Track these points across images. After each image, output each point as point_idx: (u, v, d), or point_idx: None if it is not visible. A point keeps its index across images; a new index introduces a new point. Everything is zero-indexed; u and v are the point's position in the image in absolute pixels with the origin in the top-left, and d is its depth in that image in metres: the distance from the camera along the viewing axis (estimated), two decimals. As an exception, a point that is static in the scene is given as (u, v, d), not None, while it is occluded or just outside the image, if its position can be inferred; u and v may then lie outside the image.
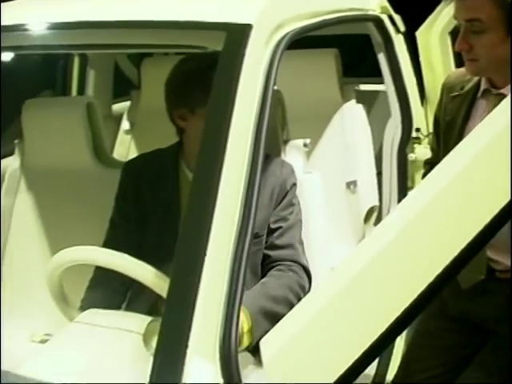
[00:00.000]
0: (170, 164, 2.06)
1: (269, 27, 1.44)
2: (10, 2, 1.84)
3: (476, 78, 2.04)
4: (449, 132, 2.09)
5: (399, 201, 2.88)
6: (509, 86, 1.93)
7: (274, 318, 1.79)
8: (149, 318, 1.53)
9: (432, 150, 2.30)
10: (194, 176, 1.27)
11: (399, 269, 0.92)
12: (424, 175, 2.38)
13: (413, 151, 2.89)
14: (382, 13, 2.66)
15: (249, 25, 1.39)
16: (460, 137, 2.04)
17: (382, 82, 3.35)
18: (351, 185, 2.91)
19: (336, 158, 2.94)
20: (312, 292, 1.02)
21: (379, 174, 2.98)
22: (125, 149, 3.46)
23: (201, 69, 1.90)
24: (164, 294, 1.53)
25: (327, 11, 1.83)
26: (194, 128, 1.96)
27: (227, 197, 1.20)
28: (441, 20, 2.85)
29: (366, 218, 2.96)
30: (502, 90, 1.95)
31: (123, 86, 3.91)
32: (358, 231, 2.91)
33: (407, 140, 2.85)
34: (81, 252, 1.60)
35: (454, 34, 2.94)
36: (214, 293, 1.11)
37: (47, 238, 2.43)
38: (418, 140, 2.91)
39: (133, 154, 3.43)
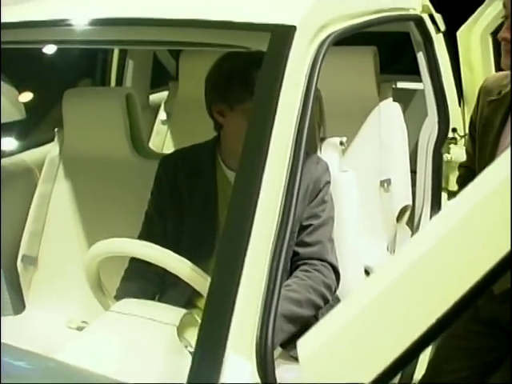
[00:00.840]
0: (207, 160, 2.08)
1: (312, 28, 1.45)
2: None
3: None
4: (484, 137, 2.07)
5: (433, 201, 2.88)
6: None
7: (297, 321, 1.81)
8: (183, 311, 1.56)
9: (467, 153, 2.28)
10: (236, 176, 1.29)
11: (438, 274, 0.93)
12: (459, 178, 2.36)
13: (448, 151, 2.88)
14: (423, 12, 2.65)
15: (293, 26, 1.40)
16: (496, 143, 2.02)
17: (417, 80, 3.34)
18: (385, 183, 2.91)
19: (371, 156, 2.94)
20: (351, 294, 1.02)
21: (413, 172, 2.98)
22: (161, 139, 3.49)
23: (242, 67, 1.92)
24: (201, 289, 1.57)
25: (370, 11, 1.83)
26: (231, 124, 1.98)
27: (268, 197, 1.22)
28: (483, 20, 2.83)
29: (399, 218, 2.96)
30: None
31: (160, 77, 3.95)
32: (390, 230, 2.91)
33: (443, 140, 2.83)
34: (120, 244, 1.63)
35: (496, 34, 2.92)
36: (252, 292, 1.12)
37: (83, 225, 2.47)
38: (454, 140, 2.89)
39: (169, 144, 3.47)
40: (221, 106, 1.98)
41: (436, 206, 2.88)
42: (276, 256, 1.16)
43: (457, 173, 2.96)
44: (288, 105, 1.31)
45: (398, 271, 0.93)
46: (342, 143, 2.27)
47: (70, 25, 1.69)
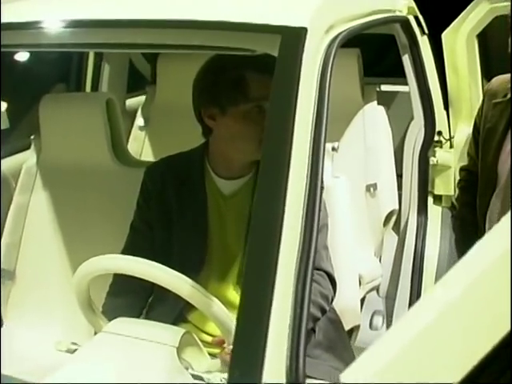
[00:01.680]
0: (196, 168, 2.00)
1: (321, 29, 1.40)
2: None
3: None
4: (489, 139, 2.03)
5: (419, 205, 2.84)
6: None
7: None
8: (181, 330, 1.49)
9: (469, 156, 2.24)
10: (259, 187, 1.21)
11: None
12: (460, 182, 2.32)
13: (434, 155, 2.85)
14: (408, 13, 2.60)
15: (304, 28, 1.34)
16: (499, 148, 1.98)
17: (399, 83, 3.30)
18: (371, 188, 2.86)
19: (356, 161, 2.89)
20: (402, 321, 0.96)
21: (399, 176, 2.93)
22: (139, 145, 3.40)
23: (233, 68, 1.85)
24: (198, 304, 1.49)
25: (367, 13, 1.79)
26: (223, 128, 1.91)
27: (293, 209, 1.16)
28: (468, 22, 2.80)
29: (385, 222, 2.91)
30: None
31: (135, 81, 3.86)
32: (377, 235, 2.86)
33: (429, 143, 2.79)
34: (113, 261, 1.54)
35: (481, 36, 2.90)
36: (283, 314, 1.06)
37: (63, 237, 2.38)
38: (439, 144, 2.86)
39: (147, 150, 3.39)
40: (212, 109, 1.90)
41: (422, 210, 2.84)
42: (301, 279, 1.09)
43: (442, 176, 2.94)
44: (305, 109, 1.26)
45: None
46: (334, 149, 2.21)
47: (54, 27, 1.60)
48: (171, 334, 1.45)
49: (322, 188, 1.26)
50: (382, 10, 2.14)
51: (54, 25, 1.69)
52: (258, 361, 1.01)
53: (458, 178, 2.77)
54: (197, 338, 1.52)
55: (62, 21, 1.65)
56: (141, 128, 3.45)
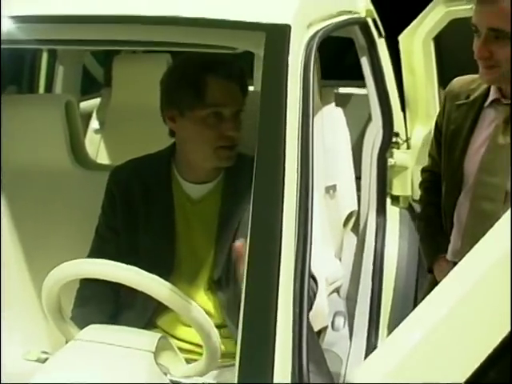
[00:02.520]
0: (162, 171, 1.97)
1: (303, 26, 1.41)
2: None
3: (483, 87, 2.01)
4: (453, 141, 2.06)
5: (378, 206, 2.87)
6: None
7: None
8: (157, 335, 1.46)
9: (431, 157, 2.27)
10: (255, 188, 1.20)
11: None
12: (422, 183, 2.35)
13: (391, 156, 2.88)
14: (366, 16, 2.63)
15: (288, 25, 1.34)
16: (465, 147, 2.01)
17: (357, 85, 3.33)
18: (331, 189, 2.86)
19: (315, 162, 2.89)
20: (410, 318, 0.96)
21: (358, 178, 2.95)
22: (94, 149, 3.34)
23: (195, 71, 1.83)
24: (175, 307, 1.47)
25: (335, 14, 1.80)
26: (182, 131, 1.89)
27: (289, 211, 1.15)
28: (425, 25, 2.84)
29: (345, 223, 2.92)
30: None
31: (87, 84, 3.80)
32: (337, 237, 2.87)
33: (388, 145, 2.83)
34: (85, 265, 1.50)
35: (437, 39, 2.94)
36: (287, 315, 1.05)
37: (23, 244, 2.31)
38: (396, 145, 2.90)
39: (102, 154, 3.33)
40: (172, 111, 1.88)
41: (381, 211, 2.87)
42: (298, 279, 1.08)
43: (400, 177, 2.98)
44: (293, 108, 1.26)
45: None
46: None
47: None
48: (147, 338, 1.42)
49: (313, 188, 1.25)
50: (346, 11, 2.16)
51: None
52: (269, 361, 1.00)
53: (416, 178, 2.81)
54: (172, 343, 1.50)
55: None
56: (96, 131, 3.39)
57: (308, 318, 1.10)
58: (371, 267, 2.74)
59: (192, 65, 1.86)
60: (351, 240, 2.94)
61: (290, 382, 1.01)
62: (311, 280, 1.86)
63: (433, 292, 1.01)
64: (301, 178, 1.22)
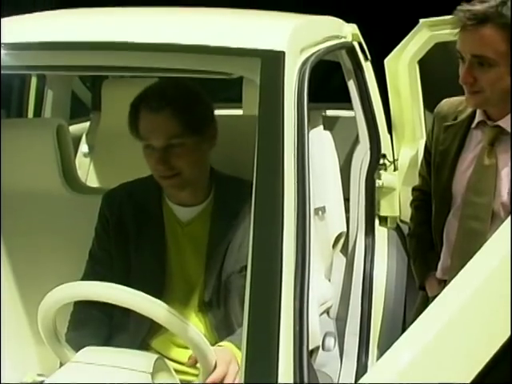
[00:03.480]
0: (153, 194, 2.01)
1: (296, 52, 1.44)
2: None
3: (470, 109, 2.06)
4: (442, 162, 2.10)
5: (366, 227, 2.89)
6: (505, 119, 1.96)
7: None
8: (154, 356, 1.47)
9: (421, 177, 2.31)
10: (255, 211, 1.22)
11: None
12: (413, 202, 2.38)
13: (379, 177, 2.91)
14: (353, 40, 2.67)
15: (282, 52, 1.37)
16: (453, 167, 2.06)
17: (345, 108, 3.36)
18: (320, 211, 2.88)
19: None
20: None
21: (346, 200, 2.98)
22: (84, 172, 3.35)
23: (135, 100, 1.89)
24: (171, 327, 1.48)
25: (324, 39, 1.84)
26: None
27: (288, 230, 1.18)
28: (410, 48, 2.89)
29: (334, 245, 2.94)
30: (499, 123, 1.98)
31: (75, 108, 3.83)
32: (326, 257, 2.89)
33: (375, 166, 2.86)
34: (89, 287, 1.52)
35: (423, 63, 2.99)
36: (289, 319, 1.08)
37: (14, 267, 2.31)
38: (384, 166, 2.93)
39: (92, 177, 3.34)
40: None
41: (370, 231, 2.90)
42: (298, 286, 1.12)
43: (387, 198, 3.01)
44: (289, 128, 1.29)
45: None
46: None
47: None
48: (144, 360, 1.43)
49: (310, 214, 1.28)
50: (333, 36, 2.20)
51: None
52: (273, 362, 1.02)
53: (403, 199, 2.84)
54: (168, 364, 1.51)
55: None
56: (85, 155, 3.41)
57: (308, 334, 1.13)
58: (360, 288, 2.77)
59: (137, 95, 1.90)
60: (340, 261, 2.96)
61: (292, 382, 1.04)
62: None
63: (426, 310, 1.03)
64: (298, 200, 1.25)
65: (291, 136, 1.29)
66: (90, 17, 1.72)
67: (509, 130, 1.96)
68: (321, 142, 2.98)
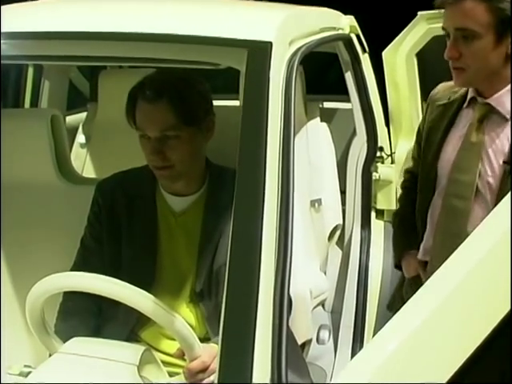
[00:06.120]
0: (146, 184, 2.00)
1: (284, 43, 1.43)
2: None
3: (463, 90, 2.05)
4: (430, 137, 2.11)
5: (362, 220, 2.89)
6: (495, 96, 1.94)
7: None
8: (141, 348, 1.47)
9: (413, 159, 2.31)
10: (236, 201, 1.21)
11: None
12: (403, 182, 2.38)
13: (376, 170, 2.90)
14: (350, 32, 2.66)
15: (269, 42, 1.36)
16: (440, 144, 2.05)
17: (342, 100, 3.35)
18: (316, 203, 2.87)
19: (301, 177, 2.90)
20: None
21: (342, 192, 2.97)
22: (80, 163, 3.34)
23: (132, 90, 1.88)
24: (157, 319, 1.48)
25: (317, 31, 1.82)
26: None
27: (270, 219, 1.17)
28: (408, 41, 2.88)
29: (329, 237, 2.94)
30: (488, 100, 1.97)
31: (73, 98, 3.81)
32: (322, 250, 2.88)
33: (372, 159, 2.86)
34: (74, 279, 1.51)
35: (421, 55, 2.98)
36: (267, 318, 1.07)
37: (8, 257, 2.31)
38: (381, 159, 2.92)
39: (88, 168, 3.33)
40: None
41: (366, 225, 2.89)
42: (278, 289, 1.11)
43: (384, 191, 3.00)
44: (274, 119, 1.28)
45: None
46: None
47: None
48: (131, 351, 1.43)
49: (293, 204, 1.27)
50: (330, 27, 2.18)
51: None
52: (248, 361, 1.01)
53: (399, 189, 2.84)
54: (156, 356, 1.51)
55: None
56: (82, 145, 3.40)
57: (288, 326, 1.12)
58: (356, 280, 2.76)
59: (135, 84, 1.90)
60: (336, 253, 2.95)
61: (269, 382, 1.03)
62: None
63: (412, 298, 1.03)
64: (281, 192, 1.24)
65: (276, 127, 1.28)
66: (80, 6, 1.71)
67: (499, 108, 1.95)
68: (317, 134, 2.97)
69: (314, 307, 2.69)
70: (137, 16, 1.56)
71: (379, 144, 2.86)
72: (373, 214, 2.93)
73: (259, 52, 1.34)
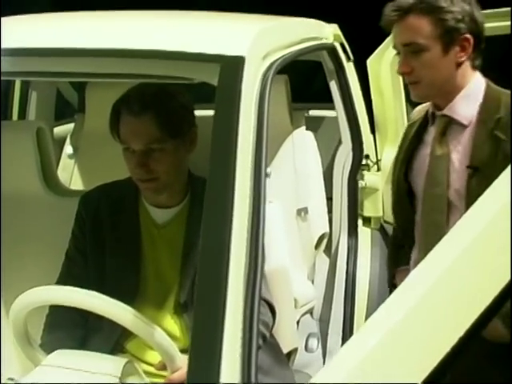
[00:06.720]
0: (130, 197, 2.01)
1: (258, 57, 1.44)
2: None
3: (426, 109, 2.10)
4: (397, 157, 2.15)
5: (349, 228, 2.90)
6: (450, 106, 1.98)
7: None
8: (123, 360, 1.48)
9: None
10: (205, 213, 1.22)
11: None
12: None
13: (362, 178, 2.92)
14: (334, 41, 2.68)
15: (242, 57, 1.37)
16: (407, 161, 2.09)
17: (328, 108, 3.36)
18: (302, 212, 2.89)
19: (287, 185, 2.92)
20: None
21: (329, 199, 2.99)
22: (68, 174, 3.34)
23: (116, 103, 1.90)
24: (140, 333, 1.48)
25: (298, 41, 1.84)
26: None
27: (239, 231, 1.18)
28: (392, 48, 2.88)
29: (317, 245, 2.96)
30: (444, 111, 2.01)
31: (61, 109, 3.82)
32: (309, 258, 2.90)
33: (358, 167, 2.87)
34: (52, 292, 1.52)
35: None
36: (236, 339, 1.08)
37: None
38: (367, 167, 2.94)
39: (76, 179, 3.34)
40: None
41: (352, 232, 2.90)
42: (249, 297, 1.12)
43: (371, 198, 3.00)
44: (246, 135, 1.29)
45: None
46: (266, 174, 2.23)
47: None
48: (113, 364, 1.44)
49: (264, 214, 1.28)
50: (311, 37, 2.20)
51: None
52: (215, 362, 1.03)
53: (386, 199, 2.85)
54: (138, 367, 1.51)
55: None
56: (70, 156, 3.40)
57: (259, 328, 1.13)
58: (343, 288, 2.77)
59: (119, 97, 1.91)
60: (324, 262, 2.97)
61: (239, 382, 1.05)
62: (267, 308, 1.89)
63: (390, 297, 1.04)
64: (253, 204, 1.24)
65: (247, 141, 1.29)
66: (50, 23, 1.72)
67: (455, 116, 1.98)
68: (303, 142, 2.99)
69: (302, 315, 2.70)
70: (110, 32, 1.57)
71: (365, 152, 2.88)
72: (360, 222, 2.95)
73: (232, 67, 1.35)
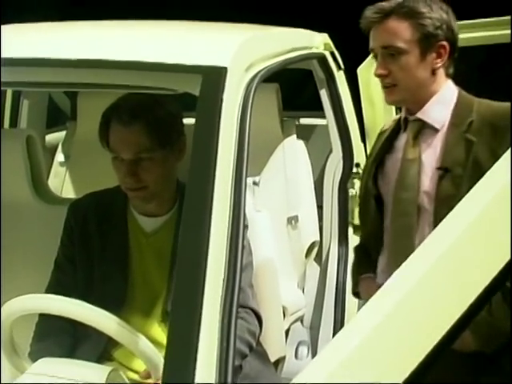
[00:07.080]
0: (118, 205, 2.02)
1: (241, 68, 1.45)
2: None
3: (397, 116, 2.12)
4: (367, 163, 2.17)
5: (340, 236, 2.91)
6: (422, 110, 2.01)
7: None
8: (108, 368, 1.48)
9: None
10: (183, 223, 1.23)
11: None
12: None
13: (353, 186, 2.93)
14: (325, 49, 2.69)
15: (224, 68, 1.38)
16: (376, 167, 2.10)
17: (318, 116, 3.37)
18: (293, 220, 2.90)
19: (277, 194, 2.93)
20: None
21: (319, 207, 3.00)
22: (59, 182, 3.35)
23: (105, 112, 1.91)
24: (123, 341, 1.49)
25: (286, 51, 1.85)
26: None
27: (217, 241, 1.19)
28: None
29: (307, 254, 2.96)
30: (417, 115, 2.03)
31: (54, 116, 3.83)
32: (299, 267, 2.90)
33: (348, 175, 2.88)
34: (36, 301, 1.52)
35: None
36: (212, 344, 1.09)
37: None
38: (357, 175, 2.94)
39: (67, 187, 3.34)
40: None
41: (343, 240, 2.91)
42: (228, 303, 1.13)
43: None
44: (226, 146, 1.30)
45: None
46: (255, 183, 2.25)
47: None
48: (97, 372, 1.44)
49: (245, 226, 1.29)
50: (300, 47, 2.21)
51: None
52: (191, 362, 1.05)
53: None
54: (124, 376, 1.51)
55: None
56: (61, 164, 3.39)
57: (236, 330, 1.14)
58: (334, 296, 2.78)
59: (108, 106, 1.92)
60: (314, 270, 2.97)
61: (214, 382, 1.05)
62: (254, 317, 1.90)
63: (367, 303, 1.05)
64: (233, 217, 1.25)
65: (228, 152, 1.30)
66: (33, 34, 1.73)
67: (427, 120, 2.01)
68: (294, 151, 3.00)
69: (292, 323, 2.71)
70: (92, 42, 1.58)
71: (355, 160, 2.89)
72: (350, 230, 2.95)
73: (213, 78, 1.36)
